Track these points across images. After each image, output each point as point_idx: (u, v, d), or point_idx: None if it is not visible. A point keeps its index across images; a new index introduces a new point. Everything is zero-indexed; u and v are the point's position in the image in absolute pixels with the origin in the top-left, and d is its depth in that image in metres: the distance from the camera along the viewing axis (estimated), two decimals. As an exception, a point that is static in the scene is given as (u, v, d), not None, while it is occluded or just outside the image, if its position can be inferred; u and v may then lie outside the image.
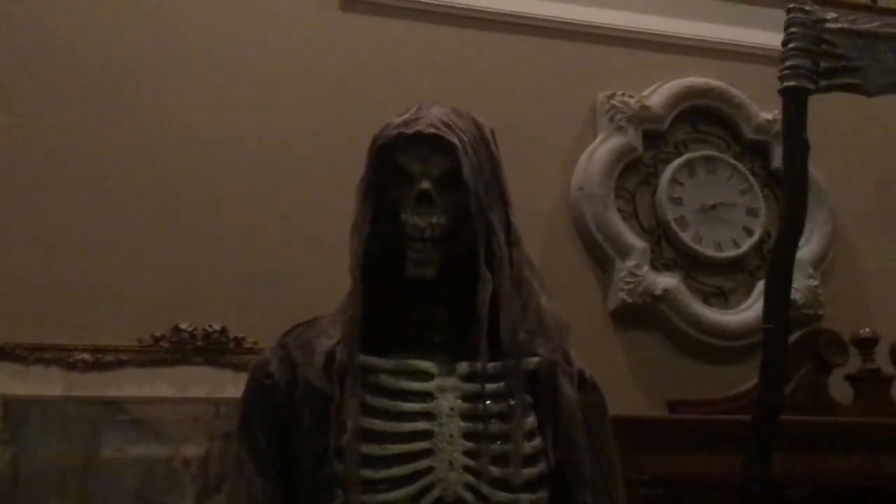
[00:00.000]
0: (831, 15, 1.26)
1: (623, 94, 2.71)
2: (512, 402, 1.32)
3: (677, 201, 2.69)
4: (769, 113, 2.78)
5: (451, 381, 1.32)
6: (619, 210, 2.63)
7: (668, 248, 2.67)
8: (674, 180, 2.69)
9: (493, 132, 1.46)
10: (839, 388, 2.43)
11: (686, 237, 2.66)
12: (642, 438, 2.04)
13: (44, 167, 2.30)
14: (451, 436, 1.29)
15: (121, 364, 2.20)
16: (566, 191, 2.65)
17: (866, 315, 2.70)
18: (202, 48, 2.48)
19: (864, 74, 1.23)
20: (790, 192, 1.27)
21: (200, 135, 2.41)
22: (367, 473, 1.26)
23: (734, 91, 2.81)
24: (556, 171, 2.66)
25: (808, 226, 2.73)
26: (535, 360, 1.36)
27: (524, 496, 1.29)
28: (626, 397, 2.35)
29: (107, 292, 2.26)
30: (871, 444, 2.23)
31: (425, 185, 1.33)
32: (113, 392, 2.19)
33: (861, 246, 2.83)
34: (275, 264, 2.35)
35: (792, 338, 2.36)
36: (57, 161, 2.32)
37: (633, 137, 2.68)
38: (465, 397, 1.31)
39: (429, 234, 1.33)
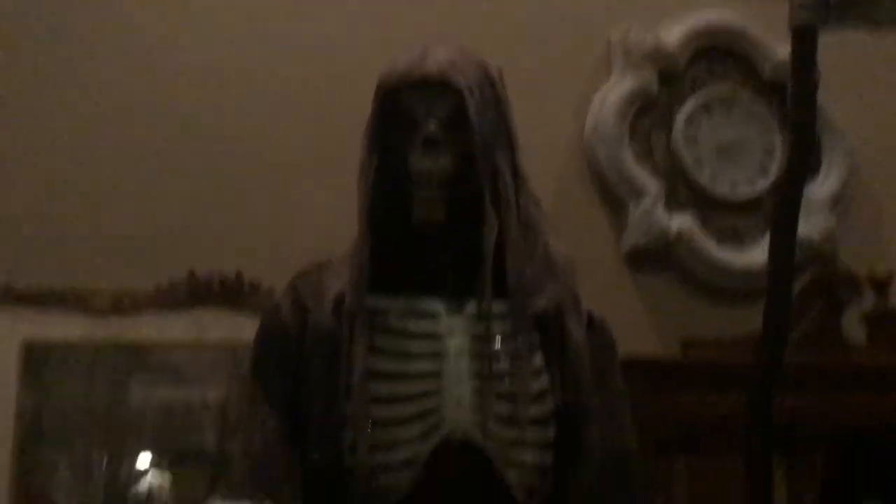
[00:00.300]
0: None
1: (638, 32, 2.67)
2: (519, 342, 1.33)
3: (692, 140, 2.67)
4: (787, 49, 2.74)
5: (458, 322, 1.33)
6: (634, 151, 2.62)
7: (683, 189, 2.66)
8: (689, 120, 2.67)
9: (500, 72, 1.44)
10: (853, 328, 2.44)
11: (701, 177, 2.65)
12: (654, 380, 2.05)
13: (62, 112, 2.33)
14: (458, 375, 1.30)
15: (139, 309, 2.25)
16: (580, 132, 2.64)
17: (885, 254, 2.69)
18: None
19: (877, 4, 1.21)
20: (796, 133, 1.25)
21: (218, 78, 2.42)
22: (376, 412, 1.29)
23: (752, 29, 2.76)
24: (569, 113, 2.64)
25: (825, 164, 2.75)
26: (543, 301, 1.37)
27: (531, 434, 1.30)
28: (639, 338, 2.36)
29: (124, 237, 2.30)
30: (884, 385, 2.24)
31: (431, 127, 1.33)
32: (132, 336, 2.25)
33: (880, 184, 2.80)
34: (290, 209, 2.37)
35: (805, 276, 2.39)
36: (76, 106, 2.34)
37: (648, 77, 2.65)
38: (473, 338, 1.33)
39: (435, 177, 1.32)
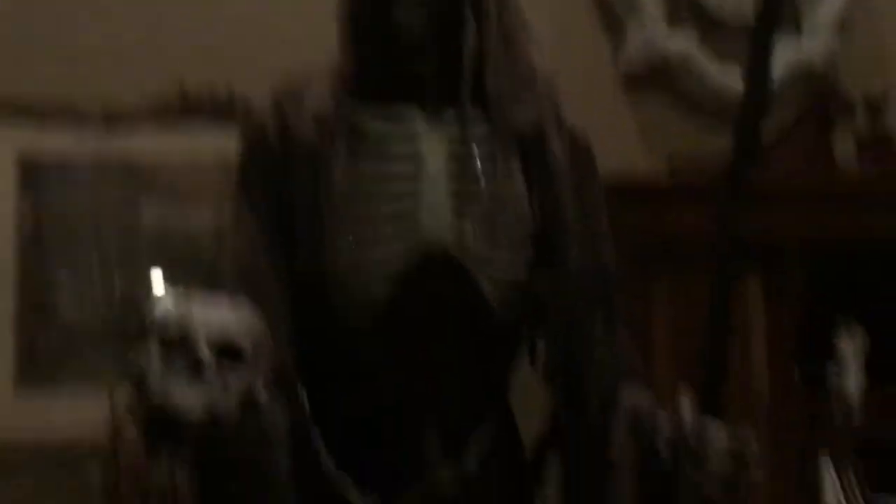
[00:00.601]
0: None
1: None
2: (498, 161, 1.36)
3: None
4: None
5: (437, 138, 1.36)
6: (634, -33, 2.59)
7: (684, 8, 2.65)
8: None
9: None
10: (844, 149, 2.48)
11: (703, -4, 2.63)
12: (640, 197, 2.12)
13: None
14: (436, 191, 1.35)
15: (131, 123, 2.32)
16: (579, -54, 2.62)
17: (887, 78, 2.69)
18: None
19: None
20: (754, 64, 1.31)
21: None
22: (356, 226, 1.33)
23: None
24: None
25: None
26: (525, 119, 1.39)
27: (505, 251, 1.36)
28: (629, 155, 2.43)
29: (117, 47, 2.34)
30: (871, 203, 2.32)
31: None
32: (124, 152, 2.33)
33: (884, 5, 2.77)
34: (282, 25, 2.37)
35: (798, 95, 2.44)
36: None
37: None
38: (452, 154, 1.36)
39: None
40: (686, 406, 1.29)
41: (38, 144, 2.31)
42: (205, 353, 1.08)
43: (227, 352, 1.11)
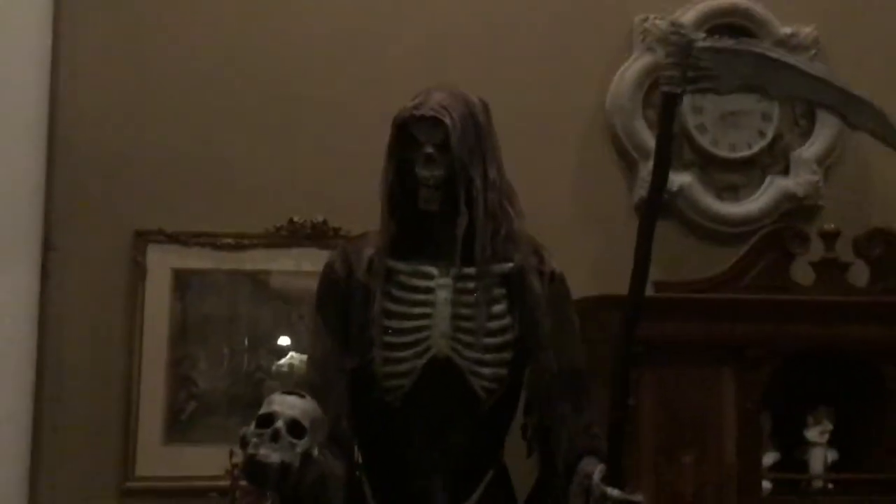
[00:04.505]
0: (701, 35, 1.78)
1: (657, 17, 3.15)
2: (482, 294, 1.94)
3: (699, 110, 3.17)
4: (788, 27, 3.18)
5: (445, 280, 1.95)
6: (646, 119, 3.11)
7: (688, 151, 3.16)
8: (698, 91, 3.15)
9: (485, 105, 2.01)
10: (801, 274, 2.91)
11: (704, 141, 3.15)
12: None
13: (198, 88, 3.01)
14: (442, 316, 1.93)
15: (254, 246, 2.99)
16: (602, 103, 3.16)
17: (870, 209, 3.12)
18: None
19: (719, 80, 1.75)
20: (656, 174, 1.72)
21: (314, 55, 3.02)
22: (389, 338, 1.93)
23: (757, 8, 3.18)
24: (594, 88, 3.17)
25: (816, 124, 3.17)
26: (509, 265, 1.96)
27: (489, 355, 1.92)
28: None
29: (243, 190, 3.01)
30: (826, 317, 2.73)
31: (429, 149, 1.92)
32: (249, 267, 2.99)
33: (868, 145, 3.05)
34: (367, 167, 3.00)
35: (761, 232, 2.91)
36: (208, 82, 3.01)
37: (662, 55, 3.12)
38: (455, 291, 1.94)
39: (432, 181, 1.92)
40: (598, 472, 1.77)
41: (186, 261, 2.94)
42: (280, 427, 1.67)
43: (295, 427, 1.68)
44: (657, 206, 1.77)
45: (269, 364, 2.90)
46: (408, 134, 1.95)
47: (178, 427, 2.93)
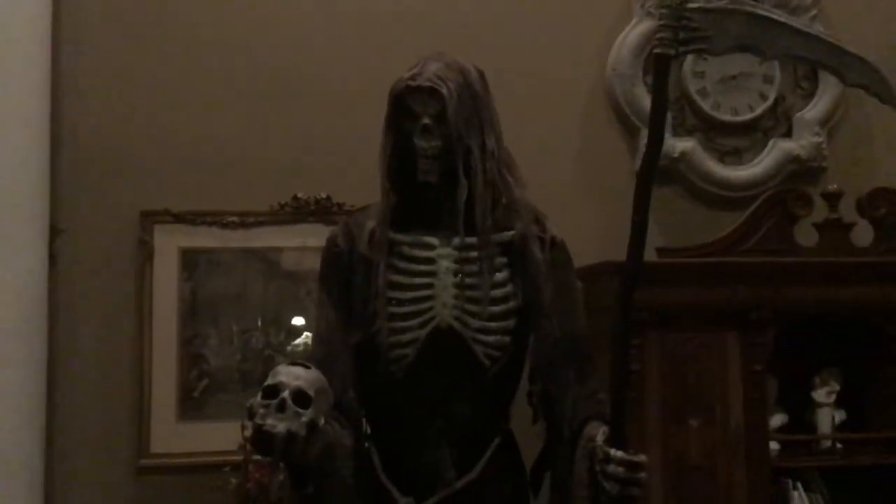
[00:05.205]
0: (693, -3, 1.77)
1: (656, -18, 3.14)
2: (484, 263, 1.94)
3: (700, 75, 3.16)
4: (790, -9, 3.17)
5: (447, 251, 1.95)
6: (646, 85, 3.11)
7: (690, 116, 3.16)
8: (698, 55, 3.14)
9: (481, 73, 2.00)
10: (805, 235, 2.91)
11: (706, 105, 3.14)
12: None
13: (201, 69, 3.03)
14: (445, 286, 1.93)
15: (259, 224, 3.01)
16: (602, 71, 3.17)
17: (872, 169, 3.13)
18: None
19: (711, 40, 1.74)
20: (651, 137, 1.72)
21: (319, 41, 3.04)
22: (392, 309, 1.93)
23: (757, -27, 3.17)
24: (594, 54, 3.18)
25: (819, 86, 3.16)
26: (510, 233, 1.96)
27: (493, 323, 1.92)
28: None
29: (247, 168, 3.03)
30: (831, 278, 2.74)
31: (426, 120, 1.91)
32: (255, 244, 3.01)
33: (870, 106, 3.05)
34: (368, 145, 3.03)
35: (764, 195, 2.91)
36: (210, 63, 3.03)
37: (660, 19, 3.12)
38: (456, 260, 1.94)
39: (430, 152, 1.91)
40: (601, 434, 1.79)
41: (193, 241, 2.98)
42: (286, 397, 1.68)
43: (301, 397, 1.70)
44: (653, 170, 1.76)
45: (278, 340, 2.94)
46: (405, 105, 1.94)
47: (191, 404, 2.98)
